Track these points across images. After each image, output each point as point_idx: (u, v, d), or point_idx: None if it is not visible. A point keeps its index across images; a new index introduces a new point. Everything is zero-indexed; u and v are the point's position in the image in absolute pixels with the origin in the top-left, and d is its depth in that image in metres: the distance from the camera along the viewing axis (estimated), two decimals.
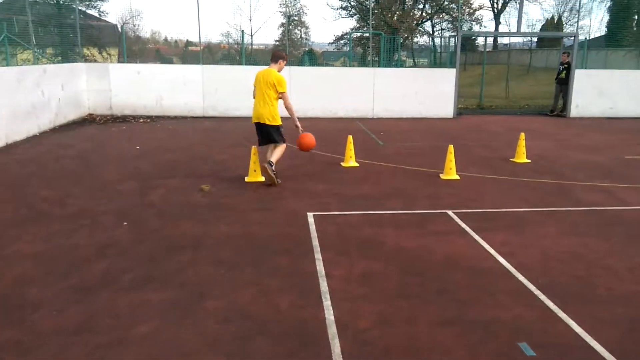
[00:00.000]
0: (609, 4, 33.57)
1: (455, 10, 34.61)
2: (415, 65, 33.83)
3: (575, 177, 7.78)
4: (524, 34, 24.52)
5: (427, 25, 37.66)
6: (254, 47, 32.02)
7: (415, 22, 34.25)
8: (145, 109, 13.89)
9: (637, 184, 7.42)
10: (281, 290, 4.00)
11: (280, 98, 6.94)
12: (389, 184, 7.27)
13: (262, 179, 7.13)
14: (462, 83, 29.59)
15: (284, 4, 34.16)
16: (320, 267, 4.43)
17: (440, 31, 35.54)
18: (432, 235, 5.26)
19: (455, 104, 14.66)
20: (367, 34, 17.89)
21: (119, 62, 21.61)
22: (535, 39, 33.35)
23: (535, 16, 71.49)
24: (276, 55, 7.17)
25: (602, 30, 33.06)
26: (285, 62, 7.16)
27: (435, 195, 6.73)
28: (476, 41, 34.60)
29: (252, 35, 30.62)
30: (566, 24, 38.66)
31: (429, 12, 35.47)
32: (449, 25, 35.74)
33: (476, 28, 37.45)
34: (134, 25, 32.01)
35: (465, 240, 5.14)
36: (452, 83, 14.44)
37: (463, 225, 5.56)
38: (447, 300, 3.92)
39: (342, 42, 32.55)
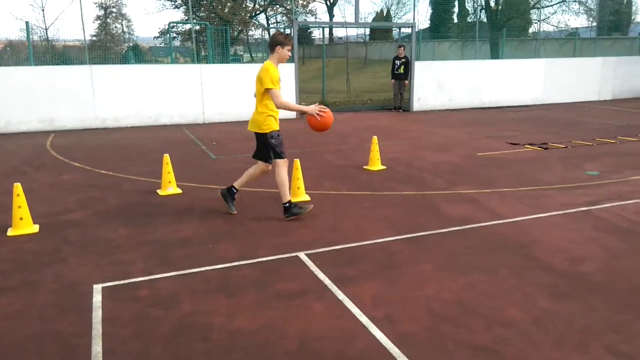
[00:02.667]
0: None
1: (288, 2, 33.71)
2: (253, 60, 32.34)
3: (437, 185, 6.80)
4: (362, 25, 24.30)
5: (262, 18, 36.38)
6: (69, 42, 27.87)
7: (248, 14, 32.63)
8: None
9: (498, 187, 6.63)
10: None
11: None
12: (220, 217, 5.58)
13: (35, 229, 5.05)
14: (303, 78, 28.86)
15: None
16: None
17: (275, 24, 34.49)
18: (280, 301, 3.70)
19: (297, 102, 13.35)
20: (192, 26, 15.94)
21: None
22: (368, 32, 33.80)
23: (366, 9, 74.36)
24: (271, 42, 5.32)
25: (427, 23, 34.60)
26: (285, 48, 5.26)
27: (283, 229, 5.20)
28: (312, 34, 34.17)
29: (47, 29, 26.36)
30: (394, 16, 40.04)
31: (262, 3, 34.10)
32: (284, 17, 34.76)
33: (311, 20, 37.02)
34: None
35: (326, 303, 3.66)
36: (292, 79, 13.10)
37: (321, 275, 4.09)
38: None
39: (168, 35, 29.71)
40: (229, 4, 30.28)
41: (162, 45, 29.96)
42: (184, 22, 27.52)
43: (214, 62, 15.45)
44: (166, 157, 6.42)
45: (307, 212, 5.48)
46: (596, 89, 16.81)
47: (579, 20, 57.23)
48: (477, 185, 6.76)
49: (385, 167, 7.70)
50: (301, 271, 4.20)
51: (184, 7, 29.92)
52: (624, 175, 7.14)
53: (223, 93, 12.45)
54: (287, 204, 5.44)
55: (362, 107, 15.96)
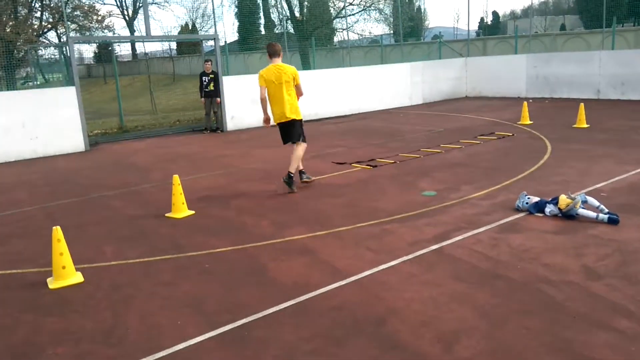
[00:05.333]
0: (236, 10, 34.29)
1: (81, 19, 29.98)
2: (47, 83, 28.06)
3: (261, 231, 5.40)
4: (157, 38, 22.20)
5: (53, 36, 31.91)
6: None
7: (35, 32, 28.23)
8: None
9: (334, 226, 5.44)
10: None
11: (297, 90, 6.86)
12: None
13: None
14: (104, 98, 25.75)
15: None
16: None
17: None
18: None
19: (84, 132, 10.99)
20: None
21: None
22: (175, 47, 31.64)
23: (169, 23, 71.19)
24: (278, 48, 6.82)
25: (235, 35, 33.54)
26: None
27: (22, 348, 3.30)
28: (114, 51, 30.89)
29: None
30: (201, 30, 38.32)
31: (51, 21, 29.80)
32: (77, 34, 30.87)
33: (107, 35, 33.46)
34: None
35: None
36: (74, 105, 10.69)
37: None
38: None
39: None
40: (10, 22, 25.76)
41: None
42: None
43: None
44: None
45: (293, 192, 6.70)
46: (408, 94, 17.01)
47: (380, 28, 61.01)
48: (309, 225, 5.49)
49: (193, 212, 6.08)
50: None
51: None
52: (462, 192, 6.44)
53: None
54: (291, 175, 6.72)
55: (169, 130, 13.97)
